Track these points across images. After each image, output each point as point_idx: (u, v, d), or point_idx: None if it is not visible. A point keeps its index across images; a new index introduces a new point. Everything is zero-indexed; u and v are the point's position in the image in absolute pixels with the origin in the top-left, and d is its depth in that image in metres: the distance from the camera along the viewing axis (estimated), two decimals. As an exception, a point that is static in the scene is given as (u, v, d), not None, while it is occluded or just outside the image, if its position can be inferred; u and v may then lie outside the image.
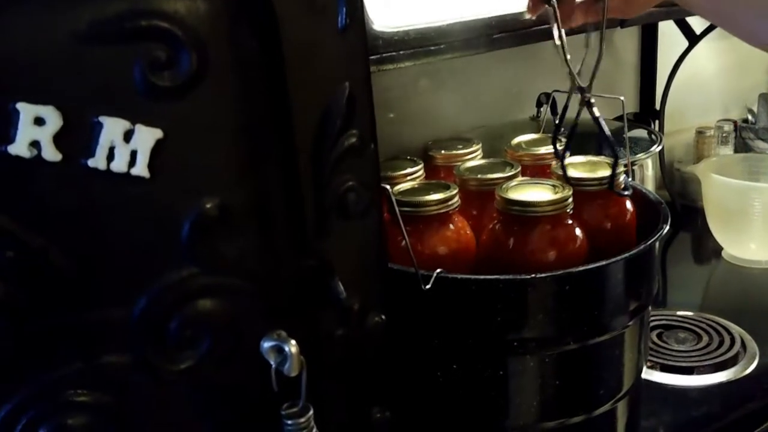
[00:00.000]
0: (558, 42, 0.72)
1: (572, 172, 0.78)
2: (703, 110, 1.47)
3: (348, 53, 0.46)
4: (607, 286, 0.70)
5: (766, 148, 1.44)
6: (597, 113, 0.73)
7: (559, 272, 0.67)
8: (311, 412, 0.46)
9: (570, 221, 0.72)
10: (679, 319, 1.02)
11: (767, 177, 1.22)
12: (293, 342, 0.43)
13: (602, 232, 0.78)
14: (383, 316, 0.50)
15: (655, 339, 0.97)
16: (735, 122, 1.44)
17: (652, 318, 1.00)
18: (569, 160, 0.79)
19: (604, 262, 0.68)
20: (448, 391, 0.71)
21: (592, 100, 0.73)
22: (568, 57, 0.72)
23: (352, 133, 0.47)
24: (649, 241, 0.71)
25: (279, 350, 0.43)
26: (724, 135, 1.40)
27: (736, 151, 1.42)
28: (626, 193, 0.78)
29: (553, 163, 0.81)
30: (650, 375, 0.91)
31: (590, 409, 0.73)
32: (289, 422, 0.45)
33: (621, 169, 0.77)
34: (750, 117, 1.48)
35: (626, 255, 0.69)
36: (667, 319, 1.01)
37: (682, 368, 0.92)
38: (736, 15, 0.61)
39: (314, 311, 0.48)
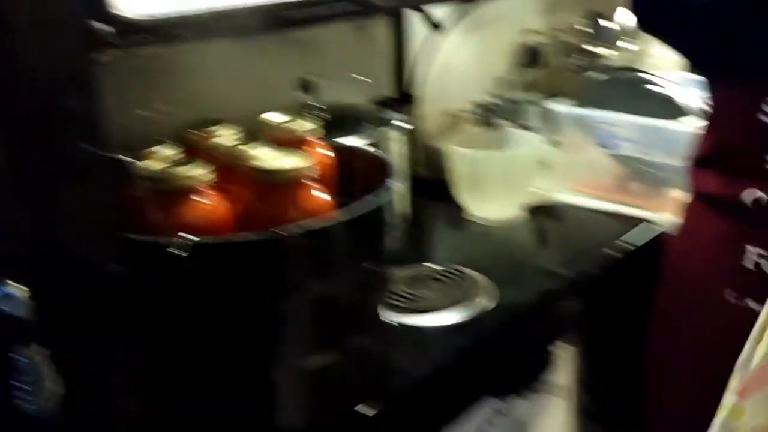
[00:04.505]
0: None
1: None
2: (455, 94, 1.66)
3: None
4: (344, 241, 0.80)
5: (507, 125, 1.66)
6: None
7: (305, 227, 0.76)
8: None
9: (314, 183, 0.82)
10: (429, 270, 1.16)
11: (505, 148, 1.42)
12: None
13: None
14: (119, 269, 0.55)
15: (406, 288, 1.10)
16: (481, 105, 1.65)
17: (404, 271, 1.13)
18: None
19: (341, 218, 0.78)
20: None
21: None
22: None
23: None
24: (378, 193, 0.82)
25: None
26: (472, 116, 1.60)
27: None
28: None
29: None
30: (406, 318, 1.03)
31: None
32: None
33: None
34: (493, 100, 1.70)
35: (360, 210, 0.79)
36: (419, 272, 1.16)
37: (431, 310, 1.05)
38: None
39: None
